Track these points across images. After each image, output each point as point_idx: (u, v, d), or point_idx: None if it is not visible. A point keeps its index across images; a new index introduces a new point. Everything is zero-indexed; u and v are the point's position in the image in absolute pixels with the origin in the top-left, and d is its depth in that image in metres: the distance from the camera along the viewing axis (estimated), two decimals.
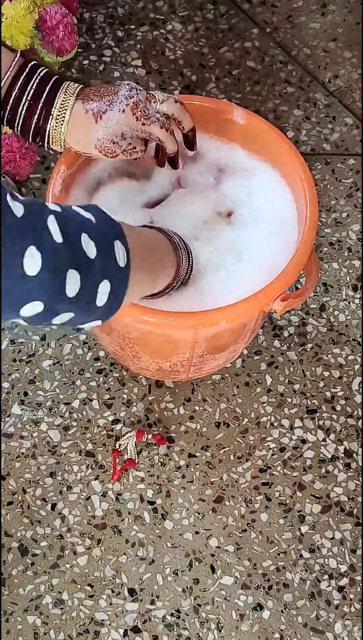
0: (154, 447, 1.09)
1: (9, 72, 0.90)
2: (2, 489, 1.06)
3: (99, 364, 1.15)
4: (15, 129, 0.92)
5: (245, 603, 1.01)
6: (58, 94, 0.91)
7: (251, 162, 1.06)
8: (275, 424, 1.12)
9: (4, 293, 0.64)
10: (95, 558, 1.03)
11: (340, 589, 1.02)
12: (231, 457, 1.09)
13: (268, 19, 1.49)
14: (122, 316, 0.91)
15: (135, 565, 1.02)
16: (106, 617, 0.99)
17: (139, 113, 0.91)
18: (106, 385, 1.14)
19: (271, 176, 1.05)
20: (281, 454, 1.10)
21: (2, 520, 1.04)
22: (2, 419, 1.10)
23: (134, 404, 1.12)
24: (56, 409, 1.11)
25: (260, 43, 1.46)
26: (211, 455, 1.09)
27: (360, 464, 1.09)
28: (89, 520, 1.05)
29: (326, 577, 1.02)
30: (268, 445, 1.10)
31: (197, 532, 1.04)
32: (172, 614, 1.00)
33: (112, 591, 1.01)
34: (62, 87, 0.91)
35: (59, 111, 0.91)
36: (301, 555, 1.03)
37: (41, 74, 0.91)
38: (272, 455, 1.10)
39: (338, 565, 1.03)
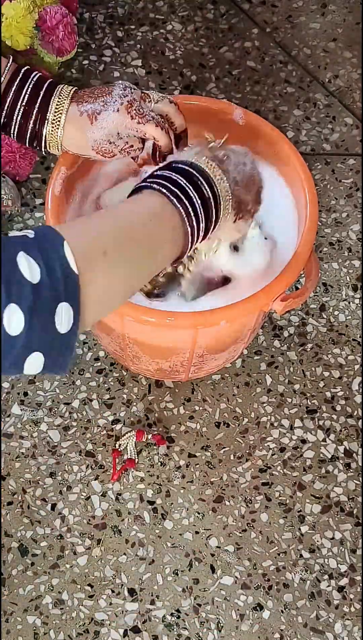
0: (154, 447, 1.09)
1: (2, 79, 0.90)
2: (2, 489, 1.06)
3: (99, 364, 1.15)
4: (11, 134, 0.92)
5: (245, 603, 1.01)
6: (52, 97, 0.91)
7: None
8: (275, 424, 1.12)
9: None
10: (95, 558, 1.03)
11: (340, 589, 1.02)
12: (231, 457, 1.09)
13: (268, 19, 1.49)
14: (122, 316, 0.92)
15: (135, 565, 1.02)
16: (106, 617, 0.99)
17: (134, 112, 0.91)
18: (106, 385, 1.14)
19: (271, 176, 1.05)
20: (281, 454, 1.10)
21: (2, 520, 1.04)
22: (2, 419, 1.10)
23: (134, 403, 1.12)
24: (56, 409, 1.11)
25: (260, 43, 1.46)
26: (211, 455, 1.09)
27: (360, 464, 1.09)
28: (89, 520, 1.05)
29: (326, 577, 1.02)
30: (268, 445, 1.10)
31: (197, 532, 1.04)
32: (172, 614, 1.00)
33: (112, 591, 1.01)
34: (56, 91, 0.91)
35: (54, 115, 0.91)
36: (301, 555, 1.03)
37: (35, 79, 0.91)
38: (272, 455, 1.10)
39: (338, 565, 1.03)
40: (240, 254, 0.93)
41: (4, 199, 1.20)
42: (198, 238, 0.82)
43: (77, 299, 0.64)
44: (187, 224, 0.79)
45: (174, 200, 0.79)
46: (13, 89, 0.90)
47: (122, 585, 1.01)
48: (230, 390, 1.14)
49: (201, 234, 0.82)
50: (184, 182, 0.80)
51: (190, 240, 0.81)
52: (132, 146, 0.93)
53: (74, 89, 0.92)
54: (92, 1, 1.49)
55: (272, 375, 1.15)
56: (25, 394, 1.12)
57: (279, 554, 1.04)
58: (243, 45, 1.46)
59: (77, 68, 1.41)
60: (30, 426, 1.10)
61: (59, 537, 1.04)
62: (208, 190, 0.82)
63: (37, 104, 0.90)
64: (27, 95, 0.90)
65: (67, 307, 0.63)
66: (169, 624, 0.99)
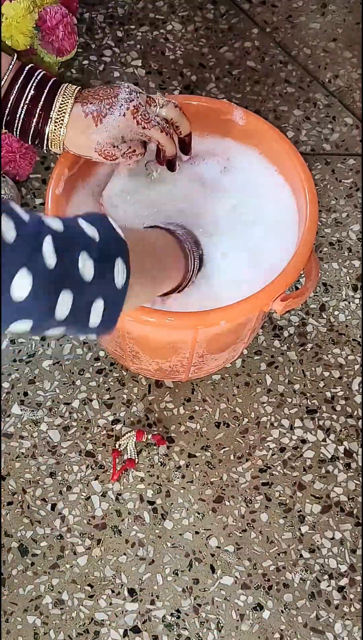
0: (154, 447, 1.09)
1: (6, 76, 0.90)
2: (2, 489, 1.06)
3: (99, 364, 1.15)
4: (14, 132, 0.92)
5: (245, 603, 1.01)
6: (56, 96, 0.91)
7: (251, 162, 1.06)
8: (275, 424, 1.12)
9: None
10: (95, 558, 1.03)
11: (340, 589, 1.02)
12: (231, 457, 1.09)
13: (268, 19, 1.49)
14: (122, 316, 0.92)
15: (135, 565, 1.02)
16: (106, 617, 0.99)
17: (140, 117, 0.91)
18: (106, 385, 1.14)
19: (271, 176, 1.05)
20: (281, 454, 1.10)
21: (2, 520, 1.04)
22: (2, 419, 1.11)
23: (134, 404, 1.12)
24: (55, 409, 1.11)
25: (260, 43, 1.46)
26: (211, 455, 1.09)
27: (360, 464, 1.09)
28: (89, 520, 1.05)
29: (326, 577, 1.02)
30: (268, 445, 1.10)
31: (197, 532, 1.04)
32: (172, 614, 1.00)
33: (112, 591, 1.01)
34: (60, 90, 0.91)
35: (58, 114, 0.91)
36: (301, 555, 1.03)
37: (38, 77, 0.91)
38: (272, 455, 1.10)
39: (338, 565, 1.03)
40: None
41: (4, 199, 1.20)
42: (192, 277, 0.93)
43: (128, 257, 0.72)
44: (189, 256, 0.91)
45: (181, 238, 0.91)
46: (17, 86, 0.90)
47: (122, 585, 1.01)
48: (230, 390, 1.14)
49: (194, 275, 0.93)
50: (183, 232, 0.93)
51: (189, 276, 0.92)
52: (134, 151, 0.93)
53: (78, 88, 0.92)
54: (92, 1, 1.49)
55: (272, 375, 1.15)
56: (25, 394, 1.12)
57: (279, 554, 1.04)
58: (243, 45, 1.46)
59: (77, 68, 1.41)
60: (30, 426, 1.10)
61: (59, 537, 1.04)
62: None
63: (41, 102, 0.90)
64: (30, 93, 0.90)
65: (121, 263, 0.72)
66: (169, 624, 0.99)
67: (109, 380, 1.14)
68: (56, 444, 1.09)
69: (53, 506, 1.05)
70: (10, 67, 0.91)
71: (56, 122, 0.91)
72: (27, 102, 0.90)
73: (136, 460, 1.08)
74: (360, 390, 1.14)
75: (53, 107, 0.91)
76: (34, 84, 0.91)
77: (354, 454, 1.10)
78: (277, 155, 1.04)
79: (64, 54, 1.23)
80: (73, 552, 1.03)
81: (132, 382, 1.14)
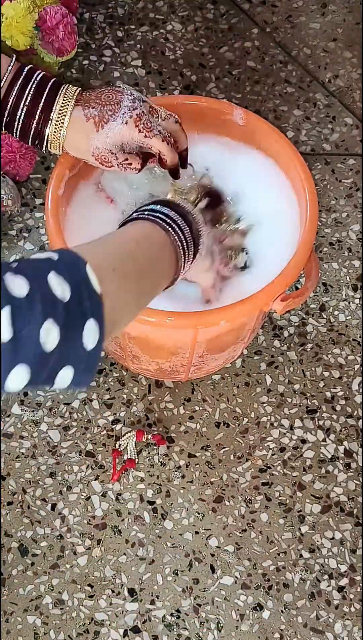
0: (154, 447, 1.09)
1: (5, 77, 0.90)
2: (2, 489, 1.06)
3: (99, 364, 1.15)
4: (14, 133, 0.92)
5: (245, 603, 1.01)
6: (57, 98, 0.91)
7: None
8: (275, 424, 1.12)
9: None
10: (95, 558, 1.03)
11: (340, 589, 1.02)
12: (231, 457, 1.09)
13: (268, 19, 1.49)
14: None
15: (135, 565, 1.02)
16: (106, 617, 0.99)
17: (142, 125, 0.90)
18: (106, 385, 1.14)
19: (271, 176, 1.05)
20: (281, 454, 1.10)
21: (2, 520, 1.04)
22: (2, 419, 1.11)
23: (134, 404, 1.12)
24: (55, 409, 1.11)
25: (260, 43, 1.46)
26: (211, 455, 1.09)
27: (360, 464, 1.09)
28: (89, 520, 1.05)
29: (326, 577, 1.02)
30: (268, 445, 1.10)
31: (197, 532, 1.04)
32: (172, 614, 1.00)
33: (112, 591, 1.01)
34: (60, 91, 0.91)
35: (58, 116, 0.90)
36: (301, 555, 1.03)
37: (38, 78, 0.91)
38: (272, 455, 1.10)
39: (338, 565, 1.03)
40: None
41: (4, 199, 1.20)
42: (187, 260, 0.86)
43: (102, 315, 0.66)
44: (178, 244, 0.83)
45: (164, 224, 0.83)
46: (16, 88, 0.90)
47: (122, 585, 1.01)
48: (230, 390, 1.14)
49: (191, 256, 0.86)
50: (172, 213, 0.85)
51: (183, 260, 0.84)
52: (130, 164, 0.93)
53: (78, 90, 0.92)
54: (92, 1, 1.49)
55: (272, 375, 1.15)
56: (25, 394, 1.12)
57: (279, 554, 1.04)
58: (243, 45, 1.46)
59: (77, 68, 1.41)
60: (30, 426, 1.10)
61: (59, 537, 1.04)
62: (192, 222, 0.87)
63: (41, 104, 0.90)
64: (30, 95, 0.90)
65: (93, 323, 0.65)
66: (169, 624, 0.99)
67: (109, 380, 1.14)
68: (56, 444, 1.09)
69: (53, 506, 1.05)
70: (9, 68, 0.91)
71: (56, 123, 0.91)
72: (27, 103, 0.90)
73: (136, 460, 1.08)
74: (360, 390, 1.14)
75: (53, 108, 0.90)
76: (34, 85, 0.91)
77: (354, 454, 1.10)
78: (277, 155, 1.04)
79: (64, 54, 1.23)
80: (73, 552, 1.03)
81: (132, 382, 1.14)
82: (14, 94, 0.90)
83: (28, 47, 1.17)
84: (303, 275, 0.99)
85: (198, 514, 1.05)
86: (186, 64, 1.43)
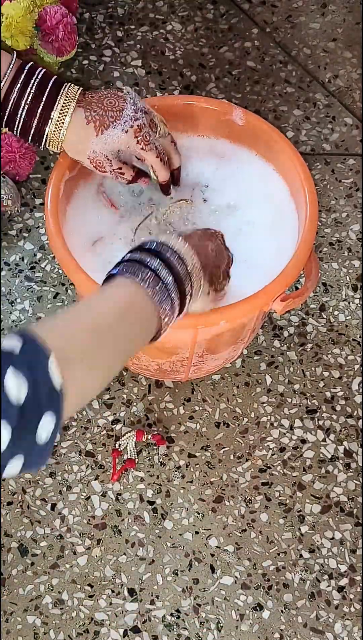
0: (154, 447, 1.09)
1: (6, 76, 0.90)
2: (2, 489, 1.06)
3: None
4: (15, 130, 0.93)
5: (244, 603, 1.01)
6: (58, 97, 0.91)
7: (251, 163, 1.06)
8: (275, 424, 1.12)
9: None
10: (95, 558, 1.03)
11: (340, 589, 1.02)
12: (231, 457, 1.09)
13: (268, 19, 1.49)
14: None
15: (135, 565, 1.02)
16: (105, 617, 0.99)
17: (141, 137, 0.92)
18: None
19: (271, 176, 1.05)
20: (281, 454, 1.10)
21: (2, 520, 1.04)
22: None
23: (134, 403, 1.12)
24: None
25: (260, 43, 1.46)
26: (211, 455, 1.09)
27: (360, 464, 1.09)
28: (89, 520, 1.05)
29: (326, 577, 1.02)
30: (268, 445, 1.10)
31: (197, 532, 1.04)
32: (172, 614, 1.00)
33: (112, 591, 1.01)
34: (62, 90, 0.91)
35: (59, 115, 0.91)
36: (301, 555, 1.03)
37: (40, 75, 0.91)
38: (272, 455, 1.10)
39: (338, 565, 1.03)
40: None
41: (4, 199, 1.20)
42: (171, 318, 0.80)
43: (59, 409, 0.63)
44: (161, 309, 0.77)
45: (145, 285, 0.76)
46: (17, 86, 0.90)
47: (122, 585, 1.01)
48: (229, 390, 1.14)
49: (176, 314, 0.80)
50: (156, 263, 0.78)
51: (165, 322, 0.78)
52: (123, 174, 0.94)
53: (80, 90, 0.92)
54: (92, 1, 1.49)
55: (272, 375, 1.15)
56: None
57: (279, 554, 1.04)
58: (243, 45, 1.46)
59: (77, 68, 1.41)
60: None
61: (59, 537, 1.04)
62: (179, 267, 0.79)
63: (43, 102, 0.91)
64: (32, 92, 0.91)
65: (50, 417, 0.63)
66: (169, 624, 0.99)
67: None
68: (55, 443, 1.09)
69: (53, 506, 1.05)
70: (11, 66, 0.91)
71: (56, 123, 0.91)
72: (28, 101, 0.90)
73: (136, 460, 1.08)
74: (360, 390, 1.14)
75: (55, 107, 0.91)
76: (35, 83, 0.91)
77: (354, 454, 1.10)
78: (277, 155, 1.04)
79: (64, 54, 1.23)
80: (73, 552, 1.03)
81: (132, 382, 1.14)
82: (15, 92, 0.90)
83: (28, 47, 1.17)
84: (303, 275, 0.99)
85: (198, 514, 1.05)
86: (186, 64, 1.43)
